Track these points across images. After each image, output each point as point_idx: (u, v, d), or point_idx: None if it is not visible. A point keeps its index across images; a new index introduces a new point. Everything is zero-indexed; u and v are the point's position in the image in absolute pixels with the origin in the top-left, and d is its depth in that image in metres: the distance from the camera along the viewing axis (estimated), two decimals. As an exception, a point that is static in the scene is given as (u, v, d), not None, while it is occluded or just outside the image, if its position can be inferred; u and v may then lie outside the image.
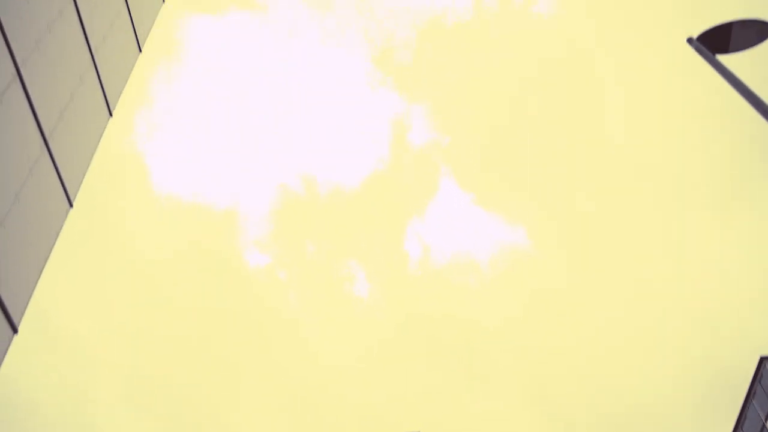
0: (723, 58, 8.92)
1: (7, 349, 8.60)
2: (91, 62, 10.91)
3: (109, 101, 11.55)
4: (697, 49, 8.42)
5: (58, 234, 9.94)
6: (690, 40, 8.52)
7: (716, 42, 8.53)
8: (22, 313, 8.90)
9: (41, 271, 9.44)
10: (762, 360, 38.32)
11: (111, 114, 11.75)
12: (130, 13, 12.94)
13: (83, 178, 10.62)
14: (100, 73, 11.20)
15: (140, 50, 13.42)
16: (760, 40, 8.35)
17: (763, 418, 36.71)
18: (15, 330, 8.75)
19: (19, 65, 8.49)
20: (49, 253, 9.66)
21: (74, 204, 10.33)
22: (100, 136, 11.31)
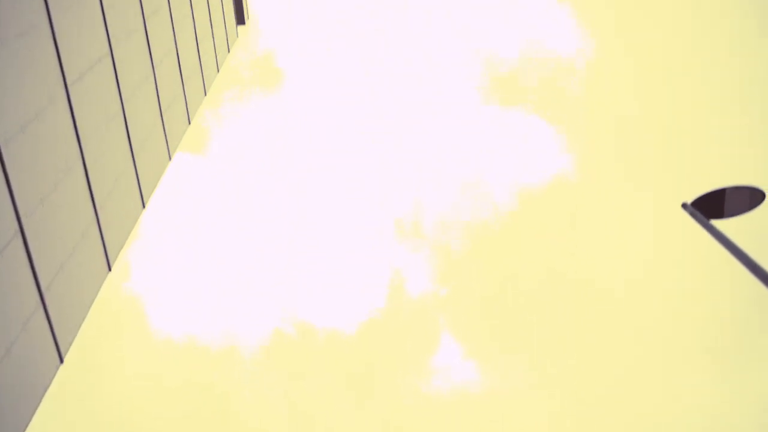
0: (718, 222, 9.06)
1: None
2: (95, 218, 11.06)
3: (109, 257, 11.60)
4: (692, 215, 8.57)
5: (46, 390, 9.66)
6: (684, 206, 8.70)
7: (710, 207, 8.70)
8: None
9: (26, 427, 9.10)
10: None
11: (110, 269, 11.76)
12: (136, 170, 13.27)
13: (76, 334, 10.47)
14: (102, 229, 11.32)
15: (144, 206, 13.64)
16: (753, 206, 8.52)
17: None
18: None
19: (23, 222, 8.58)
20: (35, 409, 9.35)
21: (65, 359, 10.12)
22: (98, 291, 11.27)
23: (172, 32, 16.65)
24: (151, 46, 14.78)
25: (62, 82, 10.09)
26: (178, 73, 17.13)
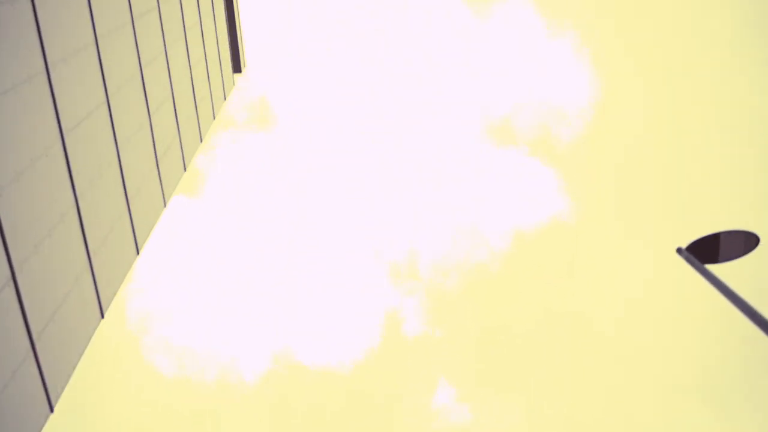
0: (713, 267, 9.06)
1: None
2: (88, 265, 11.01)
3: (102, 304, 11.52)
4: (687, 259, 8.57)
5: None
6: (679, 250, 8.71)
7: (705, 252, 8.70)
8: None
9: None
10: None
11: (103, 316, 11.67)
12: (131, 217, 13.26)
13: (67, 382, 10.33)
14: (95, 276, 11.26)
15: (138, 252, 13.60)
16: (747, 250, 8.53)
17: None
18: None
19: (15, 269, 8.53)
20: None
21: (55, 408, 9.97)
22: (90, 338, 11.16)
23: (169, 81, 16.81)
24: (147, 95, 14.90)
25: (59, 131, 10.15)
26: (174, 120, 17.25)
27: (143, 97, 14.61)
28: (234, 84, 26.57)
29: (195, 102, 19.69)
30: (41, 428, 9.55)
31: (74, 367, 10.43)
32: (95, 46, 11.91)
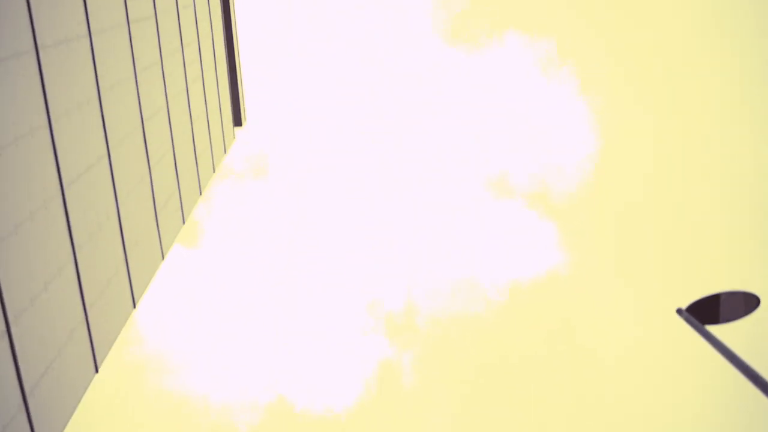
0: (713, 328, 9.01)
1: None
2: (84, 319, 10.92)
3: (96, 358, 11.39)
4: (687, 320, 8.52)
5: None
6: (680, 311, 8.66)
7: (705, 313, 8.65)
8: None
9: None
10: None
11: (97, 370, 11.53)
12: (128, 270, 13.21)
13: (59, 438, 10.15)
14: (91, 330, 11.16)
15: (134, 306, 13.51)
16: (747, 311, 8.49)
17: None
18: None
19: (10, 323, 8.46)
20: None
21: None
22: (84, 393, 11.00)
23: (170, 134, 16.95)
24: (148, 148, 15.00)
25: (59, 183, 10.18)
26: (175, 174, 17.33)
27: (144, 151, 14.70)
28: (234, 137, 26.78)
29: (195, 155, 19.81)
30: (30, 486, 9.35)
31: (67, 423, 10.26)
32: (98, 100, 12.03)
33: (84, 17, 11.58)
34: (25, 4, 9.35)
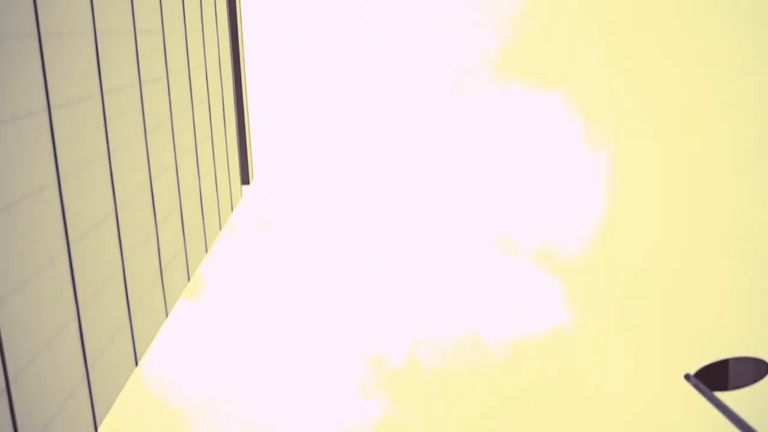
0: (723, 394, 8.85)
1: None
2: (85, 376, 10.82)
3: (96, 416, 11.25)
4: (696, 386, 8.38)
5: None
6: (687, 377, 8.54)
7: (714, 379, 8.52)
8: None
9: None
10: None
11: (96, 429, 11.37)
12: (132, 328, 13.15)
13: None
14: (91, 389, 11.05)
15: (137, 364, 13.40)
16: (757, 378, 8.35)
17: None
18: None
19: (10, 381, 8.38)
20: None
21: None
22: (81, 454, 10.83)
23: (177, 192, 17.07)
24: (156, 206, 15.09)
25: (65, 241, 10.21)
26: (181, 231, 17.39)
27: (152, 208, 14.78)
28: (242, 195, 26.94)
29: (202, 213, 19.92)
30: None
31: (63, 485, 10.08)
32: (107, 158, 12.16)
33: (97, 77, 11.80)
34: (39, 63, 9.54)
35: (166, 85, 16.37)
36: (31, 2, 9.37)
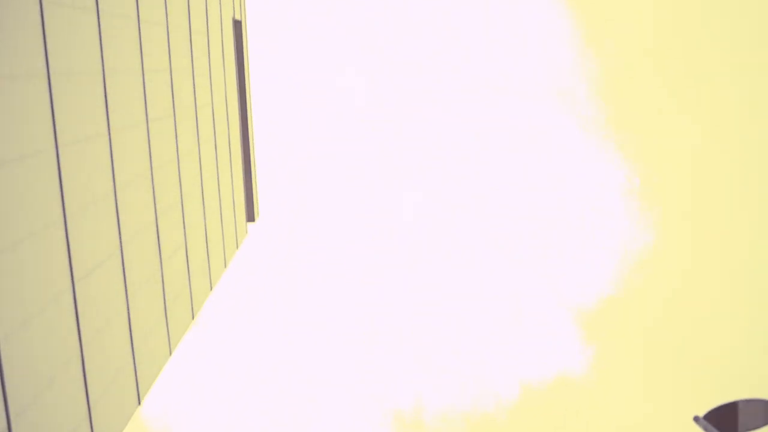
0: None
1: None
2: (87, 416, 10.72)
3: (98, 457, 11.12)
4: (705, 429, 8.26)
5: None
6: (697, 419, 8.41)
7: (723, 421, 8.40)
8: None
9: None
10: None
11: (98, 471, 11.23)
12: (135, 367, 13.06)
13: None
14: (94, 428, 10.94)
15: (139, 403, 13.28)
16: (767, 421, 8.23)
17: None
18: None
19: (12, 421, 8.30)
20: None
21: None
22: (82, 495, 10.68)
23: (183, 230, 17.08)
24: (161, 243, 15.09)
25: (70, 279, 10.20)
26: (186, 269, 17.37)
27: (156, 246, 14.78)
28: (247, 232, 26.96)
29: (207, 250, 19.91)
30: None
31: None
32: (114, 196, 12.20)
33: (105, 116, 11.89)
34: (48, 101, 9.62)
35: (173, 123, 16.49)
36: (41, 42, 9.49)
